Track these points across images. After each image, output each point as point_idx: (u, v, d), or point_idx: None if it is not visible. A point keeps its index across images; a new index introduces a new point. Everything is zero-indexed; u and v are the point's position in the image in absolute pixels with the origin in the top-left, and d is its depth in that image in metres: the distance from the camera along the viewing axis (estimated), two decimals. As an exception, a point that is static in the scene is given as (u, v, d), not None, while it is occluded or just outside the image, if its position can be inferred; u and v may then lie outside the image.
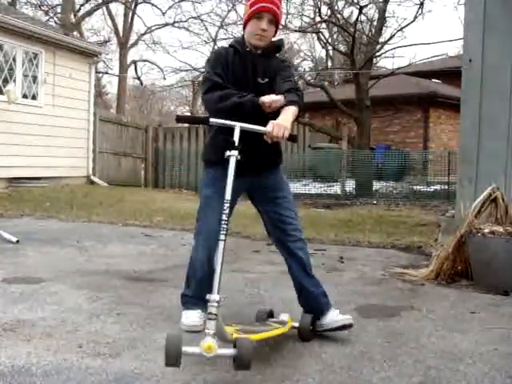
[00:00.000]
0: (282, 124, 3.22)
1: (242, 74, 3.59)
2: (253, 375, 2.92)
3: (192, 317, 3.60)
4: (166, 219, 9.25)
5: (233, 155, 3.15)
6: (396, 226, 9.46)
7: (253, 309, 4.09)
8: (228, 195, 3.14)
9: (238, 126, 3.21)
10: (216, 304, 2.85)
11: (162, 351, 3.19)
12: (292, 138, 3.31)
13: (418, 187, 16.37)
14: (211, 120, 3.30)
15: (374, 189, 15.78)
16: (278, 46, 3.74)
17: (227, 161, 3.19)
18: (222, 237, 3.06)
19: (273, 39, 3.67)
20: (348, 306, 4.07)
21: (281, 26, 3.72)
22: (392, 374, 3.01)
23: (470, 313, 4.25)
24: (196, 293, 3.63)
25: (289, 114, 3.34)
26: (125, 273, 5.25)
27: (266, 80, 3.58)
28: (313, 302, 3.65)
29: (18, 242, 6.44)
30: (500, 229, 5.01)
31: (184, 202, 12.81)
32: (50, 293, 4.38)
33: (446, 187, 15.28)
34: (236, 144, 3.16)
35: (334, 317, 3.59)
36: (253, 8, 3.56)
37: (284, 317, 3.57)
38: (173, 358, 2.72)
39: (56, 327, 3.57)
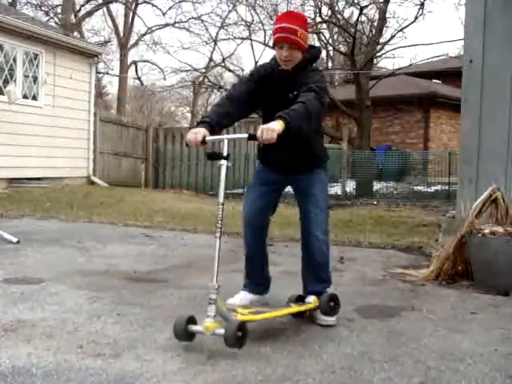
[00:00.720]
0: (270, 127, 3.37)
1: (275, 89, 3.82)
2: (253, 375, 2.92)
3: (234, 297, 4.08)
4: (167, 219, 9.25)
5: (223, 164, 3.45)
6: (396, 226, 9.46)
7: (253, 309, 4.10)
8: (221, 198, 3.49)
9: (225, 139, 3.55)
10: (215, 291, 3.27)
11: (162, 351, 3.20)
12: (282, 139, 3.41)
13: (419, 187, 16.39)
14: (207, 139, 3.57)
15: (374, 189, 15.80)
16: (310, 59, 3.87)
17: (268, 162, 3.98)
18: (217, 234, 3.52)
19: (306, 52, 3.82)
20: (348, 307, 4.07)
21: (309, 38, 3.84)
22: (392, 374, 3.01)
23: (470, 313, 4.24)
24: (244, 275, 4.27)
25: (275, 122, 3.43)
26: (125, 273, 5.25)
27: (296, 93, 3.71)
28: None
29: (18, 242, 6.44)
30: (500, 229, 5.01)
31: (184, 203, 12.82)
32: (51, 293, 4.38)
33: (447, 187, 15.29)
34: (224, 154, 3.46)
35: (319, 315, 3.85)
36: (273, 37, 3.82)
37: (310, 299, 3.90)
38: (178, 334, 3.27)
39: (56, 328, 3.57)
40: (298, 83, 3.74)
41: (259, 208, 4.14)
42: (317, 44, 30.71)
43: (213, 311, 3.24)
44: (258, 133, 3.40)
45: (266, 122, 3.58)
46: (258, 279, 4.27)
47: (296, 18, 3.83)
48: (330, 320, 3.81)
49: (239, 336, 3.14)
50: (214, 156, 3.51)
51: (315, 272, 4.03)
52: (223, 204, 3.47)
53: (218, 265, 3.44)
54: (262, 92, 3.85)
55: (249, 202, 4.20)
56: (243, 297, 4.10)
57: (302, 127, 3.52)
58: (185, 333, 3.26)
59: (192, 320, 3.31)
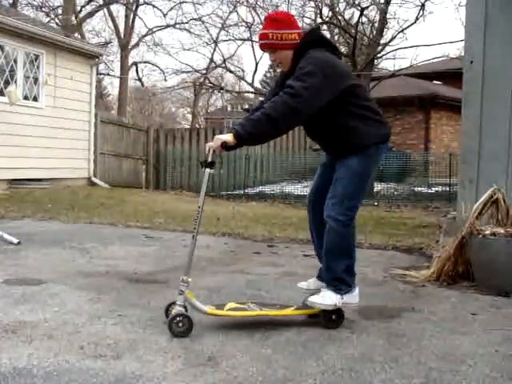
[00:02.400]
0: (218, 137, 3.62)
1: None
2: (254, 376, 2.92)
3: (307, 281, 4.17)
4: (167, 221, 9.25)
5: (206, 172, 3.73)
6: (397, 227, 9.46)
7: (254, 310, 4.10)
8: (200, 202, 3.73)
9: (207, 147, 3.77)
10: (185, 284, 3.62)
11: (163, 352, 3.21)
12: (226, 148, 3.65)
13: (419, 188, 16.37)
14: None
15: (375, 190, 15.77)
16: (300, 49, 3.79)
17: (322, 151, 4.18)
18: (193, 235, 3.77)
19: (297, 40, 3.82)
20: (349, 308, 4.06)
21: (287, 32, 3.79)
22: (393, 375, 3.01)
23: (471, 314, 4.24)
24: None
25: (226, 134, 3.62)
26: (126, 274, 5.25)
27: None
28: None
29: (19, 243, 6.44)
30: (501, 230, 5.00)
31: (185, 204, 12.82)
32: (51, 294, 4.38)
33: (447, 188, 15.28)
34: (208, 161, 3.72)
35: (317, 297, 3.83)
36: None
37: (313, 299, 3.84)
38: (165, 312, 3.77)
39: (57, 329, 3.57)
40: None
41: (315, 186, 4.14)
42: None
43: (181, 301, 3.61)
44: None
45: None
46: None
47: (266, 22, 3.86)
48: (316, 302, 3.79)
49: (173, 323, 3.52)
50: (202, 164, 3.75)
51: (324, 256, 3.90)
52: (201, 208, 3.73)
53: (191, 261, 3.76)
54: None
55: (313, 183, 4.24)
56: (310, 282, 4.15)
57: (253, 134, 3.58)
58: (166, 314, 3.75)
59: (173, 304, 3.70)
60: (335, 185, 3.84)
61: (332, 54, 3.87)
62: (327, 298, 3.78)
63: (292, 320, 3.91)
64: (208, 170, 3.72)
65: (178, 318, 3.52)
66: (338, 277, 3.83)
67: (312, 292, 3.97)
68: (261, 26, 22.85)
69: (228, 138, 3.56)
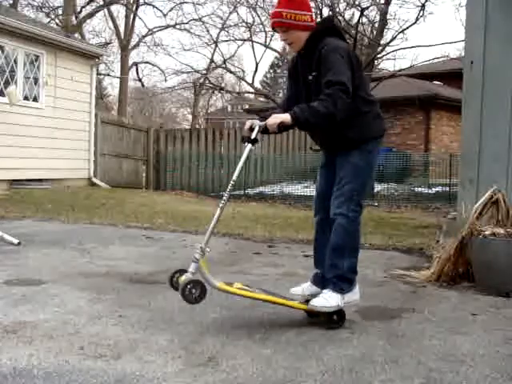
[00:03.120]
0: (277, 115, 3.70)
1: (298, 74, 3.96)
2: (254, 377, 2.92)
3: (300, 285, 4.14)
4: (168, 221, 9.25)
5: (248, 147, 3.82)
6: (397, 227, 9.46)
7: (253, 311, 4.10)
8: (235, 175, 3.84)
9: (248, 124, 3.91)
10: (200, 251, 3.58)
11: (163, 353, 3.21)
12: (280, 130, 3.76)
13: (420, 189, 16.39)
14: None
15: (375, 191, 15.79)
16: (316, 35, 3.83)
17: (317, 144, 4.21)
18: (222, 203, 3.76)
19: (314, 24, 3.86)
20: (349, 308, 4.06)
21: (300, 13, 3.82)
22: (393, 376, 3.01)
23: (471, 315, 4.24)
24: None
25: (285, 114, 3.68)
26: (126, 275, 5.25)
27: (314, 74, 3.80)
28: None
29: (19, 243, 6.44)
30: (501, 231, 5.00)
31: (185, 204, 12.83)
32: (52, 295, 4.38)
33: (448, 189, 15.30)
34: (252, 138, 3.81)
35: (319, 300, 3.79)
36: None
37: (315, 302, 3.81)
38: (169, 280, 3.70)
39: (57, 329, 3.57)
40: (314, 64, 3.77)
41: (320, 190, 4.15)
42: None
43: (193, 268, 3.57)
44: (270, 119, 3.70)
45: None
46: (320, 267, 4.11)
47: (280, 0, 3.87)
48: (317, 305, 3.78)
49: (186, 290, 3.47)
50: (244, 138, 3.84)
51: (328, 254, 3.88)
52: (234, 181, 3.78)
53: (213, 230, 3.72)
54: (296, 80, 4.00)
55: (316, 186, 4.28)
56: (305, 288, 4.10)
57: (310, 122, 3.65)
58: (170, 281, 3.69)
59: (180, 271, 3.69)
60: (341, 183, 3.86)
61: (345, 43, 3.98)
62: (329, 301, 3.77)
63: (292, 320, 3.91)
64: (250, 145, 3.79)
65: (189, 286, 3.49)
66: (342, 275, 3.84)
67: (307, 297, 3.96)
68: (261, 27, 22.84)
69: (287, 118, 3.63)
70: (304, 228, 8.82)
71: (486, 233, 5.01)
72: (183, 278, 3.57)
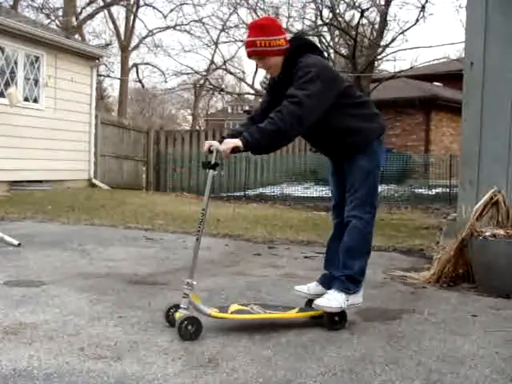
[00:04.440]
0: (227, 141, 3.62)
1: (279, 96, 3.78)
2: (254, 378, 2.92)
3: (307, 285, 4.16)
4: (168, 222, 9.26)
5: (210, 173, 3.74)
6: (397, 229, 9.46)
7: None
8: (204, 204, 3.74)
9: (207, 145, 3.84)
10: (189, 287, 3.60)
11: (163, 354, 3.21)
12: (233, 151, 3.63)
13: (420, 190, 16.39)
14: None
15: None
16: (291, 55, 3.80)
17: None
18: (196, 237, 3.70)
19: (285, 47, 3.81)
20: (350, 309, 4.06)
21: (271, 38, 3.79)
22: (393, 377, 3.01)
23: (471, 316, 4.24)
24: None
25: (236, 139, 3.62)
26: (126, 276, 5.25)
27: None
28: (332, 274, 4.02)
29: (19, 245, 6.44)
30: (501, 232, 5.01)
31: (185, 205, 12.82)
32: (52, 296, 4.38)
33: (448, 190, 15.30)
34: (212, 163, 3.72)
35: (323, 300, 3.80)
36: None
37: (318, 302, 3.82)
38: (165, 315, 3.76)
39: (57, 330, 3.57)
40: (291, 84, 3.75)
41: (335, 198, 4.17)
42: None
43: (185, 304, 3.60)
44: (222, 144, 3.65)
45: None
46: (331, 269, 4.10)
47: (252, 29, 3.86)
48: (322, 305, 3.78)
49: (183, 327, 3.47)
50: (204, 165, 3.74)
51: (341, 255, 3.88)
52: (204, 210, 3.72)
53: (195, 264, 3.69)
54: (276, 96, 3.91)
55: (331, 193, 4.28)
56: (310, 287, 4.12)
57: (262, 144, 3.60)
58: (166, 317, 3.75)
59: (175, 307, 3.72)
60: (352, 188, 3.88)
61: (321, 57, 3.92)
62: (333, 301, 3.78)
63: (292, 321, 3.91)
64: (212, 171, 3.71)
65: (185, 322, 3.48)
66: (352, 275, 3.86)
67: (312, 297, 3.98)
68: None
69: (238, 143, 3.57)
70: (304, 229, 8.82)
71: (486, 234, 5.01)
72: (178, 315, 3.59)
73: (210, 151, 3.75)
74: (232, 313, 3.74)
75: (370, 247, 3.98)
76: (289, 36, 3.96)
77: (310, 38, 29.74)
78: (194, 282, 3.63)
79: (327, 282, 4.02)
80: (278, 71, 3.85)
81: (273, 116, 3.60)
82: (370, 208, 3.88)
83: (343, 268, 3.87)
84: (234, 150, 3.58)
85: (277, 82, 3.94)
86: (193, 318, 3.52)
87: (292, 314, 3.88)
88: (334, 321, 3.80)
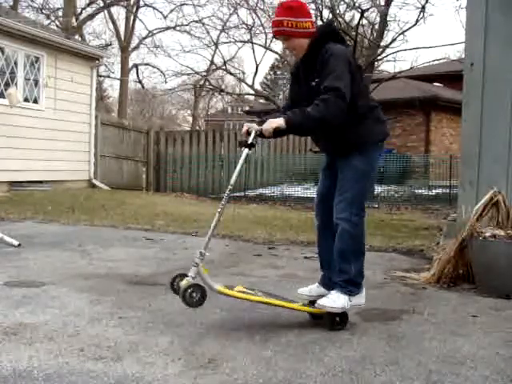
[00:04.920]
0: (271, 120, 3.73)
1: (301, 79, 3.96)
2: (254, 378, 2.92)
3: (308, 286, 4.15)
4: (168, 223, 9.26)
5: (245, 151, 3.86)
6: (397, 229, 9.46)
7: (253, 312, 4.10)
8: (232, 180, 3.84)
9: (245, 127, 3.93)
10: (200, 256, 3.63)
11: (163, 355, 3.21)
12: (276, 135, 3.80)
13: (420, 191, 16.38)
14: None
15: (375, 192, 15.79)
16: (318, 40, 3.85)
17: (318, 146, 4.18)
18: (220, 209, 3.81)
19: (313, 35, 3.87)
20: (350, 310, 4.06)
21: (301, 20, 3.84)
22: (394, 377, 3.01)
23: (471, 316, 4.24)
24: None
25: (279, 118, 3.70)
26: (126, 276, 5.25)
27: (317, 81, 3.78)
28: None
29: (19, 245, 6.44)
30: (501, 232, 5.01)
31: (185, 206, 12.83)
32: (52, 296, 4.39)
33: (448, 191, 15.29)
34: (249, 143, 3.82)
35: (326, 300, 3.81)
36: None
37: (321, 301, 3.83)
38: (170, 284, 3.74)
39: (58, 331, 3.57)
40: (317, 70, 3.79)
41: (321, 192, 4.16)
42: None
43: (193, 273, 3.61)
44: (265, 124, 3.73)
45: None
46: (326, 270, 4.14)
47: (280, 9, 3.90)
48: (325, 305, 3.79)
49: (187, 294, 3.52)
50: (241, 143, 3.88)
51: (336, 260, 3.90)
52: (231, 185, 3.82)
53: (211, 236, 3.76)
54: (299, 84, 4.01)
55: (317, 189, 4.25)
56: (312, 289, 4.12)
57: (304, 127, 3.71)
58: (172, 285, 3.73)
59: (180, 276, 3.72)
60: (342, 187, 3.87)
61: (347, 48, 3.99)
62: (336, 301, 3.79)
63: (292, 322, 3.91)
64: (247, 150, 3.82)
65: (189, 290, 3.53)
66: (351, 279, 3.86)
67: (314, 298, 3.98)
68: (261, 28, 22.84)
69: (281, 123, 3.65)
70: (304, 230, 8.82)
71: (486, 234, 5.01)
72: (184, 283, 3.60)
73: (248, 133, 3.85)
74: (238, 292, 3.78)
75: (363, 247, 3.96)
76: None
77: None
78: (207, 254, 3.68)
79: (327, 283, 4.03)
80: (302, 54, 3.89)
81: (319, 103, 3.63)
82: (357, 210, 3.85)
83: (340, 273, 3.88)
84: (276, 130, 3.68)
85: (299, 68, 4.00)
86: (198, 285, 3.56)
87: (295, 305, 3.90)
88: (335, 321, 3.81)
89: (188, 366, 3.07)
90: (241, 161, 3.82)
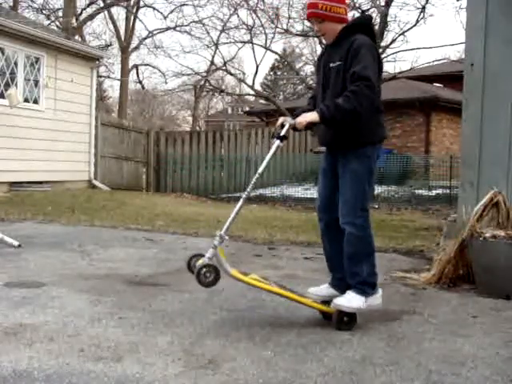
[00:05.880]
0: (305, 115, 3.81)
1: (323, 62, 4.00)
2: (255, 379, 2.92)
3: (319, 286, 4.12)
4: (168, 223, 9.25)
5: (276, 143, 3.93)
6: (398, 230, 9.46)
7: (254, 313, 4.10)
8: (260, 169, 3.93)
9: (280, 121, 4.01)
10: (219, 239, 3.74)
11: (163, 355, 3.21)
12: (308, 128, 3.91)
13: (420, 191, 16.37)
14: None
15: (375, 193, 15.78)
16: (349, 28, 3.89)
17: (319, 140, 4.15)
18: (244, 195, 3.95)
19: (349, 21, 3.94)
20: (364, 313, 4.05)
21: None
22: (394, 378, 3.01)
23: (471, 317, 4.24)
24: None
25: (313, 112, 3.79)
26: (126, 277, 5.25)
27: (338, 63, 3.83)
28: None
29: (19, 246, 6.44)
30: (502, 233, 5.00)
31: (185, 206, 12.83)
32: (52, 297, 4.38)
33: (448, 191, 15.28)
34: (281, 135, 3.91)
35: (342, 300, 3.84)
36: None
37: (337, 301, 3.86)
38: (187, 263, 3.85)
39: (58, 331, 3.57)
40: (339, 52, 3.82)
41: (323, 194, 4.16)
42: (318, 48, 30.69)
43: (210, 254, 3.70)
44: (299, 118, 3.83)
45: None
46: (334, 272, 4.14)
47: None
48: (342, 304, 3.80)
49: (201, 273, 3.63)
50: (273, 135, 3.96)
51: (346, 263, 3.91)
52: (260, 174, 3.90)
53: (233, 220, 3.87)
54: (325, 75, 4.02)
55: (318, 193, 4.26)
56: (322, 289, 4.10)
57: (336, 120, 3.73)
58: (188, 265, 3.86)
59: (197, 256, 3.84)
60: (344, 192, 3.88)
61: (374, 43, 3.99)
62: (352, 301, 3.80)
63: (293, 322, 3.92)
64: (278, 141, 3.88)
65: (204, 269, 3.62)
66: (364, 280, 3.87)
67: (323, 298, 3.98)
68: (261, 29, 22.82)
69: (315, 117, 3.72)
70: (304, 230, 8.82)
71: (487, 235, 5.01)
72: (200, 262, 3.70)
73: (282, 125, 3.92)
74: (251, 279, 3.83)
75: (372, 247, 3.96)
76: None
77: (311, 38, 29.78)
78: (226, 237, 3.78)
79: (337, 284, 4.04)
80: (333, 39, 3.92)
81: (349, 95, 3.66)
82: (360, 212, 3.86)
83: (353, 276, 3.88)
84: (309, 123, 3.78)
85: (322, 55, 4.06)
86: (214, 267, 3.65)
87: (307, 301, 3.91)
88: (343, 321, 3.80)
89: (188, 366, 3.07)
90: (271, 151, 3.90)
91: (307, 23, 23.35)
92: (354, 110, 3.66)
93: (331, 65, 3.85)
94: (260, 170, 3.91)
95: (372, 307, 3.91)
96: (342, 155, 3.91)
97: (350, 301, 3.80)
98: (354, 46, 3.76)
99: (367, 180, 3.93)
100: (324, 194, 4.10)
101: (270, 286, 3.84)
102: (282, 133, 3.88)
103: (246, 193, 3.91)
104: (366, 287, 3.87)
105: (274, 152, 3.91)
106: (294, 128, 3.88)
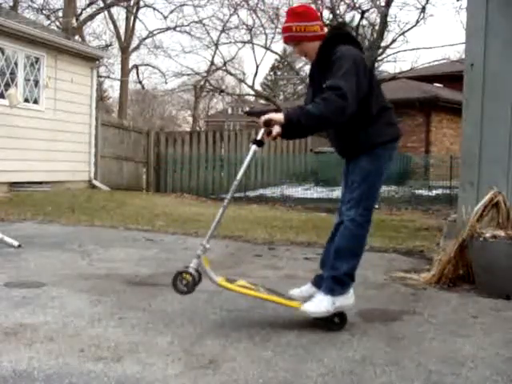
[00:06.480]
0: (270, 114, 3.77)
1: (315, 82, 4.02)
2: (255, 379, 2.92)
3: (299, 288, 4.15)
4: (168, 223, 9.25)
5: (252, 148, 3.89)
6: (398, 230, 9.46)
7: (254, 313, 4.10)
8: (239, 176, 4.06)
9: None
10: (203, 249, 3.76)
11: (163, 355, 3.21)
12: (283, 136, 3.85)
13: (420, 191, 16.37)
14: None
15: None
16: (327, 43, 3.87)
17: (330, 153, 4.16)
18: (225, 203, 3.96)
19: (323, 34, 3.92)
20: (350, 311, 4.06)
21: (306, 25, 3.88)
22: (394, 378, 3.01)
23: (471, 317, 4.24)
24: None
25: (279, 113, 3.76)
26: (126, 277, 5.25)
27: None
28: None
29: (19, 246, 6.44)
30: (502, 233, 5.00)
31: (185, 207, 12.83)
32: (52, 297, 4.38)
33: (448, 191, 15.29)
34: (257, 139, 3.85)
35: (310, 305, 3.79)
36: None
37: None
38: (174, 277, 3.74)
39: (58, 331, 3.57)
40: (327, 72, 3.79)
41: (342, 197, 4.18)
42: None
43: (195, 264, 3.71)
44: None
45: None
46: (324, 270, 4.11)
47: (288, 15, 3.96)
48: (308, 310, 3.78)
49: (176, 282, 3.69)
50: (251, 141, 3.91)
51: (331, 255, 3.88)
52: (237, 180, 4.01)
53: (214, 230, 3.87)
54: (314, 86, 4.05)
55: (342, 194, 4.23)
56: (308, 289, 4.11)
57: (301, 122, 3.67)
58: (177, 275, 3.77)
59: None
60: (351, 188, 3.90)
61: (358, 50, 3.95)
62: (320, 305, 3.76)
63: (293, 322, 3.91)
64: (255, 147, 3.85)
65: (181, 275, 3.68)
66: (337, 276, 3.82)
67: (306, 299, 3.95)
68: (261, 29, 22.83)
69: (280, 117, 3.69)
70: (304, 230, 8.82)
71: (487, 235, 5.01)
72: (186, 273, 3.72)
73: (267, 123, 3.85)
74: (239, 286, 3.81)
75: (362, 250, 3.91)
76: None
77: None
78: (207, 246, 3.78)
79: (320, 283, 4.01)
80: (315, 56, 3.93)
81: (318, 102, 3.65)
82: (363, 211, 3.85)
83: (331, 269, 3.86)
84: (274, 123, 3.71)
85: (314, 70, 4.03)
86: (188, 272, 3.69)
87: (295, 304, 3.87)
88: (334, 322, 3.80)
89: (188, 366, 3.07)
90: (249, 157, 3.90)
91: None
92: (320, 116, 3.62)
93: (324, 86, 3.78)
94: (238, 176, 3.95)
95: (344, 308, 3.86)
96: (355, 155, 3.93)
97: (318, 305, 3.76)
98: (332, 60, 3.76)
99: (375, 180, 3.94)
100: (343, 193, 4.14)
101: (256, 293, 3.81)
102: (258, 137, 3.83)
103: (226, 200, 3.90)
104: (336, 285, 3.81)
105: (252, 157, 3.89)
106: (273, 138, 3.82)
